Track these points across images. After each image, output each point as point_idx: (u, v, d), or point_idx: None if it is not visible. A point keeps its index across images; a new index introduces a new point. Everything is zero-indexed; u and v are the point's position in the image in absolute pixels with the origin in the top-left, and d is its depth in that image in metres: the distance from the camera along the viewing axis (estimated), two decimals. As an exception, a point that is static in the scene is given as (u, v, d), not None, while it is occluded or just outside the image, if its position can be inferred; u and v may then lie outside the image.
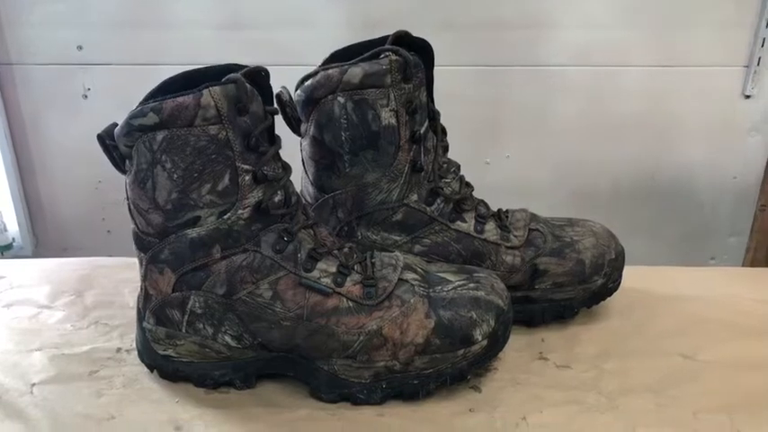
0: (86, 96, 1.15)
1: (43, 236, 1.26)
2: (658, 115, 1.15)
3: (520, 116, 1.16)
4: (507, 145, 1.18)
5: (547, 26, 1.11)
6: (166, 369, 0.65)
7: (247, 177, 0.59)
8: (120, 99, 1.08)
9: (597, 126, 1.16)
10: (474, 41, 1.11)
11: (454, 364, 0.62)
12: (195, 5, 1.11)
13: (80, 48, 1.13)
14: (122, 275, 0.84)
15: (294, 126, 0.71)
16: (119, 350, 0.71)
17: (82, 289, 0.82)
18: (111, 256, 0.93)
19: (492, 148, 1.18)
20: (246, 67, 0.60)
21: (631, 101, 1.14)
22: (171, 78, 0.60)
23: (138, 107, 0.57)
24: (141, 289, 0.65)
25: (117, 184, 1.19)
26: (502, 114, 1.16)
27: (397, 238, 0.71)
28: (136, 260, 0.87)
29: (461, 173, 0.74)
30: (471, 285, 0.64)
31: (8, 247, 1.21)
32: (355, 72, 0.66)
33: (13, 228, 1.21)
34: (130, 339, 0.71)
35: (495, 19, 1.10)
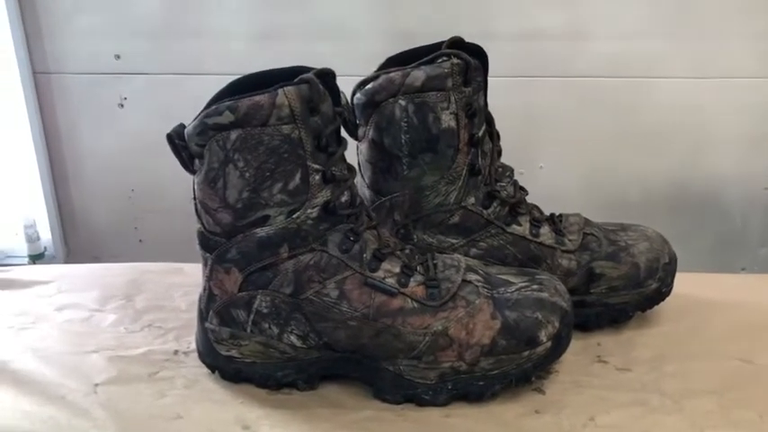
0: (122, 105, 1.16)
1: (75, 245, 1.26)
2: (691, 126, 1.16)
3: (553, 127, 1.17)
4: (541, 155, 1.19)
5: (581, 37, 1.12)
6: (228, 370, 0.65)
7: (317, 177, 0.60)
8: (155, 109, 1.10)
9: (630, 137, 1.17)
10: (508, 52, 1.12)
11: (519, 366, 0.62)
12: (232, 16, 1.12)
13: (118, 57, 1.14)
14: (170, 280, 0.84)
15: (351, 130, 0.72)
16: (176, 352, 0.70)
17: (131, 293, 0.82)
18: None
19: (525, 158, 1.18)
20: (314, 68, 0.61)
21: (665, 112, 1.15)
22: (238, 80, 0.61)
23: (212, 106, 0.57)
24: (204, 289, 0.65)
25: (150, 193, 1.21)
26: (535, 125, 1.17)
27: (454, 240, 0.72)
28: (182, 265, 0.89)
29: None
30: (535, 287, 0.64)
31: (40, 255, 1.21)
32: (417, 75, 0.66)
33: (46, 236, 1.21)
34: (187, 342, 0.71)
35: (529, 29, 1.11)
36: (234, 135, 0.57)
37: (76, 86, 1.16)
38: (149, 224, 1.23)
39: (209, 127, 0.58)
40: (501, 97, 1.16)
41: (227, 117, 0.57)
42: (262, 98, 0.57)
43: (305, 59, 1.09)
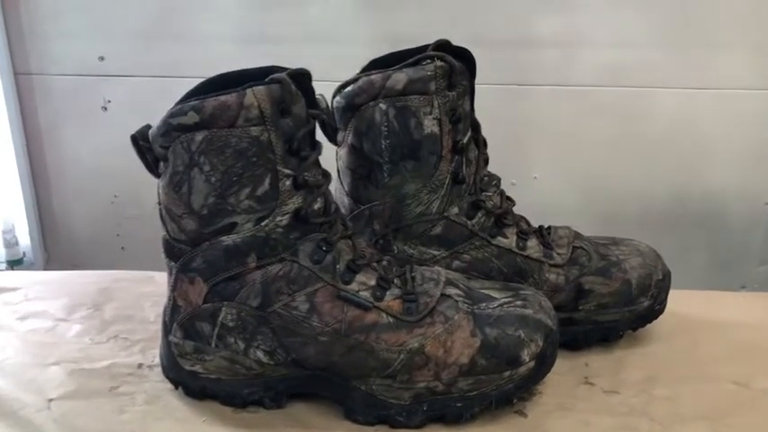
0: (106, 108, 1.13)
1: (55, 251, 1.22)
2: (689, 139, 1.13)
3: (548, 137, 1.14)
4: (534, 166, 1.15)
5: (577, 45, 1.08)
6: (192, 386, 0.61)
7: (288, 183, 0.56)
8: (140, 112, 1.05)
9: (627, 149, 1.14)
10: (502, 59, 1.09)
11: (500, 387, 0.58)
12: (218, 19, 1.09)
13: (101, 59, 1.11)
14: (142, 289, 0.81)
15: (330, 134, 0.69)
16: (140, 366, 0.67)
17: (100, 302, 0.79)
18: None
19: (519, 168, 1.15)
20: (288, 69, 0.57)
21: (662, 123, 1.12)
22: (210, 79, 0.58)
23: (177, 105, 0.54)
24: (169, 300, 0.61)
25: (133, 199, 1.18)
26: (529, 134, 1.14)
27: (436, 252, 0.68)
28: (155, 274, 0.85)
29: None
30: (518, 303, 0.60)
31: (18, 261, 1.17)
32: (399, 78, 0.63)
33: (25, 241, 1.18)
34: (152, 355, 0.68)
35: (524, 36, 1.08)
36: (199, 137, 0.54)
37: (59, 88, 1.13)
38: (132, 231, 1.19)
39: (173, 128, 0.54)
40: (494, 106, 1.14)
41: (192, 117, 0.54)
42: (229, 98, 0.53)
43: (292, 63, 1.05)
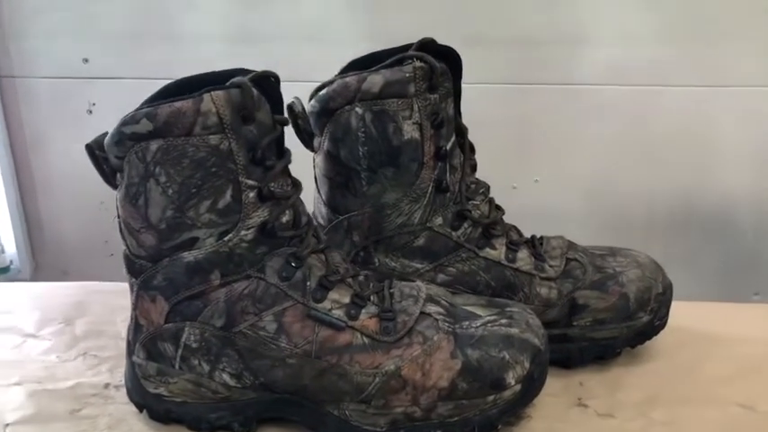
0: (91, 112, 1.09)
1: (42, 259, 1.19)
2: (698, 138, 1.08)
3: (549, 138, 1.09)
4: (536, 169, 1.11)
5: (580, 42, 1.04)
6: (157, 409, 0.58)
7: (251, 194, 0.52)
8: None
9: (632, 149, 1.09)
10: (502, 58, 1.04)
11: (483, 412, 0.54)
12: (205, 18, 1.06)
13: (86, 61, 1.08)
14: (117, 302, 0.77)
15: (307, 140, 0.65)
16: (107, 386, 0.63)
17: (73, 316, 0.75)
18: (112, 281, 0.86)
19: (519, 171, 1.10)
20: (254, 71, 0.53)
21: (669, 123, 1.07)
22: (172, 83, 0.54)
23: (130, 113, 0.51)
24: (131, 318, 0.58)
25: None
26: (530, 136, 1.09)
27: (419, 265, 0.64)
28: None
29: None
30: (503, 321, 0.56)
31: (5, 270, 1.14)
32: (375, 80, 0.59)
33: (11, 249, 1.15)
34: (120, 374, 0.64)
35: (524, 34, 1.04)
36: (154, 146, 0.50)
37: (43, 91, 1.09)
38: (120, 237, 1.16)
39: (126, 137, 0.51)
40: (494, 106, 1.10)
41: (146, 125, 0.50)
42: (184, 104, 0.50)
43: (284, 64, 1.02)
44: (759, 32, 1.01)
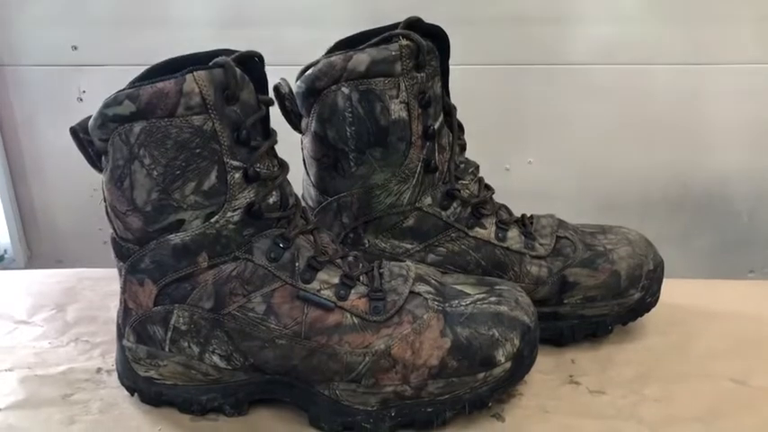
0: (81, 99, 1.09)
1: (37, 247, 1.19)
2: (691, 117, 1.07)
3: (542, 119, 1.08)
4: (529, 150, 1.10)
5: (571, 21, 1.03)
6: (148, 392, 0.58)
7: (237, 175, 0.52)
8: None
9: (625, 129, 1.08)
10: (492, 38, 1.03)
11: (473, 390, 0.54)
12: (195, 3, 1.05)
13: (75, 48, 1.07)
14: (109, 288, 0.77)
15: (294, 121, 0.64)
16: (99, 370, 0.63)
17: (64, 303, 0.75)
18: (106, 268, 0.86)
19: (512, 153, 1.10)
20: (237, 52, 0.53)
21: (662, 101, 1.06)
22: (157, 65, 0.54)
23: (112, 95, 0.50)
24: (120, 302, 0.58)
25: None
26: (523, 117, 1.09)
27: (409, 246, 0.64)
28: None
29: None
30: (493, 299, 0.56)
31: (-1, 259, 1.15)
32: (361, 59, 0.59)
33: (5, 239, 1.15)
34: (112, 359, 0.64)
35: (514, 13, 1.03)
36: (137, 128, 0.50)
37: (33, 79, 1.09)
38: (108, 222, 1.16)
39: (109, 119, 0.50)
40: (485, 87, 1.09)
41: (128, 107, 0.49)
42: (166, 85, 0.49)
43: (273, 47, 1.02)
44: (752, 8, 1.01)
